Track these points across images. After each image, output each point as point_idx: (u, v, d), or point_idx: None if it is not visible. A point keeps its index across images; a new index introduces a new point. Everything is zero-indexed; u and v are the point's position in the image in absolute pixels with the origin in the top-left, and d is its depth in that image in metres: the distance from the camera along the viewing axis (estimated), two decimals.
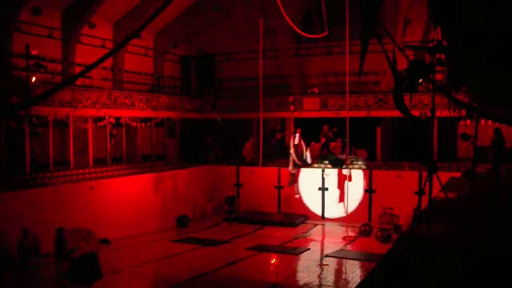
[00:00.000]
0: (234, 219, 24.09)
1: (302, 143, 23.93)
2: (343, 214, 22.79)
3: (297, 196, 24.32)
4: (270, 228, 23.15)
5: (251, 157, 26.49)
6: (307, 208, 24.79)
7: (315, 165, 24.81)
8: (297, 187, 24.43)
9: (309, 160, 24.09)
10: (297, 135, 23.85)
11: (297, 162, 23.54)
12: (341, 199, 23.71)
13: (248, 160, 26.70)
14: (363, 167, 24.36)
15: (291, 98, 26.33)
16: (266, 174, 25.27)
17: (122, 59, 25.16)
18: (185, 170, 25.51)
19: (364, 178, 23.89)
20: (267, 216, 24.52)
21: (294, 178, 24.11)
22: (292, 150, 23.50)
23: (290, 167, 23.69)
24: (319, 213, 24.79)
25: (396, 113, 16.55)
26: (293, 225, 23.51)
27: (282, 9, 17.97)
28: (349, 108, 22.17)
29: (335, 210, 24.24)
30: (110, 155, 23.01)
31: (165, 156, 26.65)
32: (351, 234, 21.52)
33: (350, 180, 22.63)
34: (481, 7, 5.59)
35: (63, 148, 21.03)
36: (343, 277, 16.72)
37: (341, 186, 23.74)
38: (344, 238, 21.18)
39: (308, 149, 24.21)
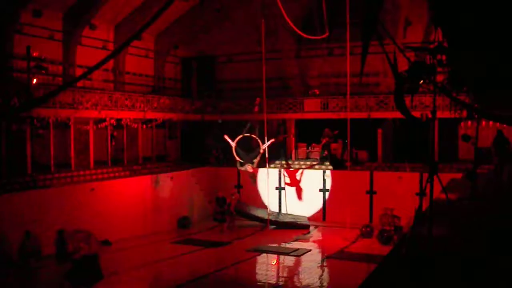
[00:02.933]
0: (225, 220, 23.99)
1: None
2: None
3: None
4: (271, 230, 23.13)
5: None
6: (308, 210, 24.74)
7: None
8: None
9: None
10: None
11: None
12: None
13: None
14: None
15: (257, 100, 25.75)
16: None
17: (123, 60, 25.20)
18: (186, 171, 25.50)
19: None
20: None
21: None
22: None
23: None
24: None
25: (397, 115, 16.57)
26: (295, 227, 23.43)
27: (283, 11, 17.97)
28: (350, 110, 22.17)
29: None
30: (111, 156, 23.02)
31: (166, 158, 26.66)
32: (352, 235, 21.49)
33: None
34: (481, 7, 5.59)
35: (64, 150, 21.05)
36: (344, 278, 16.69)
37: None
38: (345, 239, 21.15)
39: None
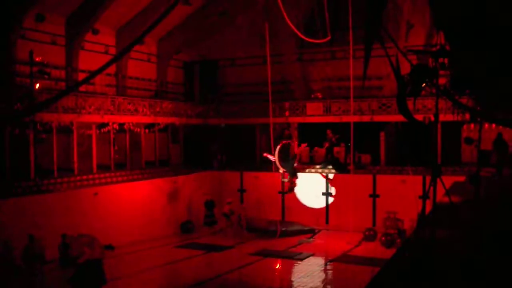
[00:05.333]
0: (215, 223, 24.01)
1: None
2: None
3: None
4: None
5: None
6: (311, 215, 24.67)
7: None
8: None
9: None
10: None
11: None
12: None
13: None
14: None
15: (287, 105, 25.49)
16: (270, 180, 25.18)
17: (126, 65, 25.24)
18: (188, 175, 25.49)
19: None
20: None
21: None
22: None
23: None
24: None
25: (400, 118, 16.54)
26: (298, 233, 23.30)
27: (285, 14, 18.01)
28: (353, 113, 22.15)
29: None
30: (114, 161, 23.04)
31: (168, 162, 26.65)
32: (355, 239, 21.45)
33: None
34: (482, 10, 5.60)
35: (67, 154, 21.07)
36: (347, 282, 16.67)
37: None
38: (348, 243, 21.11)
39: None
